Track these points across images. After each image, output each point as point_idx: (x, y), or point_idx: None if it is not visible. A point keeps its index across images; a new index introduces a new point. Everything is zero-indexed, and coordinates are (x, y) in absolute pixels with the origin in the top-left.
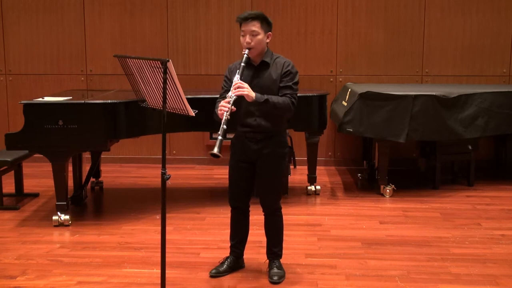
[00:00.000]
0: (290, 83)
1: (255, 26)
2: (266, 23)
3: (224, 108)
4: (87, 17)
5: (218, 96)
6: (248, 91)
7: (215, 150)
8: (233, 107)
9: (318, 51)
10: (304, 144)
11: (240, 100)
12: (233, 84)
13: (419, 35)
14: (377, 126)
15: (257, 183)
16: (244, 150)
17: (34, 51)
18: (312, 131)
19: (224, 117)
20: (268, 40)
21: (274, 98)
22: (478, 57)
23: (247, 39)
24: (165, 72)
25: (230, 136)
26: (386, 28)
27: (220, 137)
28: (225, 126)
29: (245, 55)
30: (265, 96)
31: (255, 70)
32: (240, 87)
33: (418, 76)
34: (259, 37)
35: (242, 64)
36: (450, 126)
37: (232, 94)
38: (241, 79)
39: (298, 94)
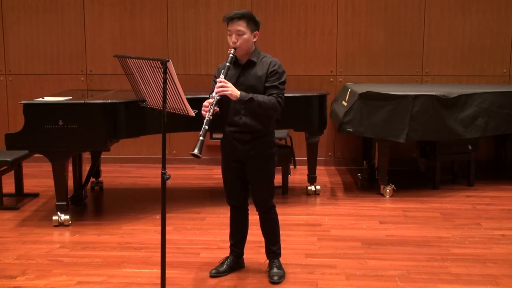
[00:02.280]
0: (276, 83)
1: (241, 26)
2: (253, 23)
3: (207, 108)
4: (87, 17)
5: None
6: (231, 90)
7: (195, 151)
8: (216, 107)
9: (318, 51)
10: (304, 144)
11: (227, 99)
12: (217, 83)
13: (419, 35)
14: (377, 126)
15: (250, 185)
16: (233, 150)
17: (34, 51)
18: (312, 131)
19: (206, 117)
20: (255, 40)
21: (260, 97)
22: (478, 57)
23: (233, 38)
24: (165, 72)
25: (218, 136)
26: (386, 28)
27: (201, 138)
28: (206, 127)
29: (231, 55)
30: (250, 95)
31: (241, 69)
32: (224, 87)
33: (418, 76)
34: (245, 36)
35: (227, 64)
36: (450, 126)
37: (215, 94)
38: (225, 78)
39: (297, 94)
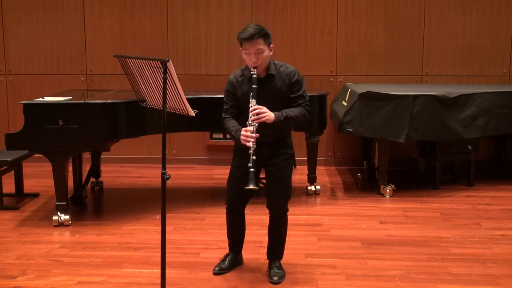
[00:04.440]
0: (301, 92)
1: (260, 44)
2: (267, 37)
3: (248, 138)
4: (87, 17)
5: (218, 97)
6: (268, 116)
7: (251, 185)
8: (257, 134)
9: (318, 51)
10: (304, 144)
11: (245, 108)
12: (250, 109)
13: (419, 35)
14: (377, 126)
15: (267, 185)
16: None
17: (34, 51)
18: (312, 131)
19: (251, 148)
20: (271, 53)
21: (291, 112)
22: (478, 57)
23: (253, 58)
24: (165, 72)
25: (218, 136)
26: (386, 28)
27: (252, 169)
28: (254, 157)
29: (254, 75)
30: (284, 114)
31: (261, 83)
32: (260, 113)
33: (418, 76)
34: (265, 54)
35: (254, 86)
36: (450, 126)
37: (253, 122)
38: (252, 98)
39: None
